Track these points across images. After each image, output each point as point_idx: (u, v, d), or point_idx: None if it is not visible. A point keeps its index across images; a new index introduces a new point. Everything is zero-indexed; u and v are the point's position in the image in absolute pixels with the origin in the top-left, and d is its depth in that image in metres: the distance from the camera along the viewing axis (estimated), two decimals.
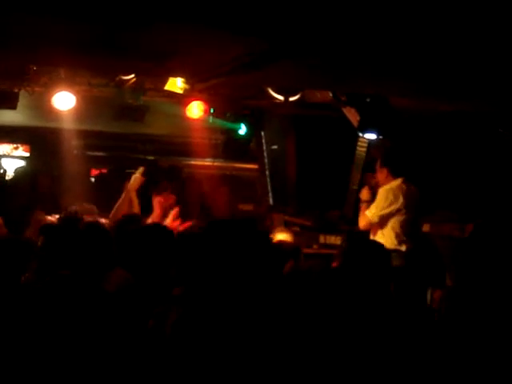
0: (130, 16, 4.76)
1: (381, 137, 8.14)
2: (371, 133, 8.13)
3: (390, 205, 6.80)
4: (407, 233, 6.82)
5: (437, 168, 8.93)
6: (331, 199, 9.16)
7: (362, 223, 6.90)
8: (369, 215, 6.83)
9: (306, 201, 9.53)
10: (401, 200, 6.82)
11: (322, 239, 8.77)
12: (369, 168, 9.19)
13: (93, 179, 10.57)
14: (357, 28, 4.84)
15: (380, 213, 6.80)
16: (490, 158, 8.85)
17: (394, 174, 6.96)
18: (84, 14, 4.70)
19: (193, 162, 10.76)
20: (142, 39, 5.38)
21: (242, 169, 10.81)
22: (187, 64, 6.17)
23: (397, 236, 6.74)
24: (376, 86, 6.99)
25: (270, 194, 10.23)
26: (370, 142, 8.76)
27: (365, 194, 7.05)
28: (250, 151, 10.14)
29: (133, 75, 7.65)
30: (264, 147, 10.26)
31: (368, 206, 6.90)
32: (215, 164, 10.42)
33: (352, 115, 8.06)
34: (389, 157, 7.18)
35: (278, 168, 10.28)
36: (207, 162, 10.42)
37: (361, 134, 8.37)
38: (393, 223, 6.81)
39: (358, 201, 7.38)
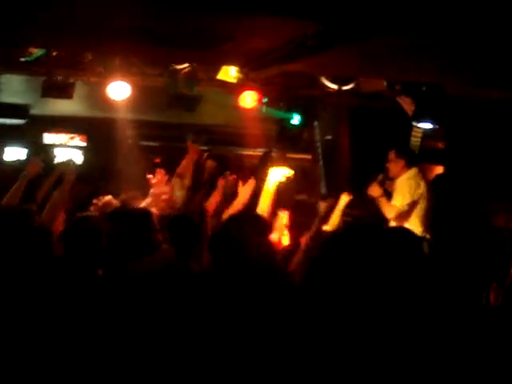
0: (183, 4, 4.77)
1: (436, 126, 8.03)
2: (427, 122, 8.01)
3: (415, 191, 6.97)
4: (430, 219, 6.99)
5: (491, 158, 8.76)
6: (385, 189, 9.04)
7: (392, 214, 6.96)
8: (397, 205, 6.91)
9: (360, 191, 9.44)
10: (422, 185, 7.03)
11: None
12: (424, 158, 9.07)
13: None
14: (412, 16, 4.77)
15: (408, 200, 6.94)
16: None
17: (409, 164, 7.05)
18: (138, 2, 4.73)
19: (246, 152, 10.78)
20: (195, 27, 5.39)
21: (295, 159, 10.77)
22: (240, 51, 6.16)
23: (422, 223, 6.85)
24: (431, 74, 6.87)
25: (323, 184, 10.18)
26: (425, 131, 8.64)
27: (376, 190, 7.05)
28: (303, 141, 10.10)
29: (186, 65, 7.69)
30: (317, 137, 10.20)
31: (387, 199, 6.94)
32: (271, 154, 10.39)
33: (407, 104, 7.94)
34: (404, 148, 7.29)
35: (331, 158, 10.21)
36: (260, 152, 10.39)
37: (416, 124, 8.25)
38: (417, 211, 6.98)
39: None
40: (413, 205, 6.94)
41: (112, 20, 5.14)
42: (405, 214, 6.94)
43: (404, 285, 3.12)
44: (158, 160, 10.84)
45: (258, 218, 4.44)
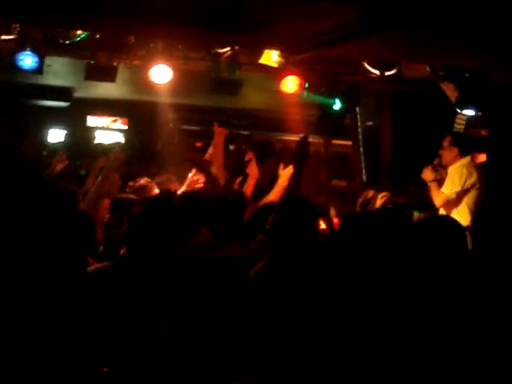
0: None
1: (480, 113, 7.90)
2: (470, 109, 7.90)
3: (466, 180, 6.86)
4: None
5: None
6: None
7: (439, 201, 6.92)
8: (446, 192, 6.86)
9: (401, 178, 9.36)
10: (475, 175, 6.89)
11: (416, 217, 8.61)
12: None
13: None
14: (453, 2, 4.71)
15: (457, 189, 6.84)
16: None
17: (463, 153, 6.96)
18: None
19: (287, 138, 10.76)
20: (238, 11, 5.39)
21: (336, 145, 10.73)
22: (282, 35, 6.14)
23: (471, 212, 6.75)
24: (475, 59, 6.77)
25: (364, 171, 10.11)
26: (469, 118, 8.52)
27: (429, 174, 7.02)
28: (344, 127, 10.03)
29: (228, 48, 7.69)
30: (359, 123, 10.12)
31: (438, 185, 6.89)
32: (309, 140, 10.34)
33: (450, 91, 7.83)
34: (459, 136, 7.25)
35: (372, 144, 10.12)
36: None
37: (459, 110, 8.14)
38: (468, 199, 6.87)
39: None
40: (462, 194, 6.84)
41: (154, 2, 5.17)
42: (453, 202, 6.86)
43: (437, 274, 3.09)
44: (199, 144, 10.89)
45: (311, 202, 4.43)
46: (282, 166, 6.61)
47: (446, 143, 7.07)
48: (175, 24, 5.88)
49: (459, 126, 8.78)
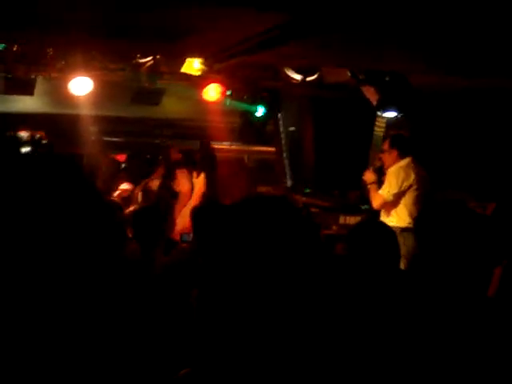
0: None
1: (400, 115, 8.07)
2: (391, 111, 8.06)
3: (403, 182, 6.93)
4: (419, 210, 6.94)
5: (453, 147, 8.82)
6: (350, 180, 9.10)
7: (377, 203, 7.02)
8: (383, 194, 6.93)
9: (325, 182, 9.48)
10: (412, 176, 6.97)
11: (341, 220, 8.72)
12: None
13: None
14: (376, 4, 4.78)
15: (394, 191, 6.92)
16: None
17: (403, 155, 7.05)
18: None
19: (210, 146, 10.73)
20: (158, 19, 5.34)
21: (259, 151, 10.77)
22: (204, 43, 6.12)
23: (410, 214, 6.84)
24: (396, 63, 6.91)
25: (288, 176, 10.18)
26: (388, 121, 8.69)
27: (370, 176, 7.11)
28: (267, 133, 10.09)
29: (149, 58, 7.62)
30: (281, 129, 10.20)
31: (377, 187, 6.98)
32: (232, 147, 10.36)
33: (371, 94, 7.97)
34: (398, 138, 7.28)
35: (295, 150, 10.21)
36: (224, 145, 10.38)
37: (380, 113, 8.29)
38: (405, 201, 6.95)
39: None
40: (400, 195, 6.92)
41: (74, 12, 5.06)
42: (391, 204, 6.94)
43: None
44: (122, 158, 10.73)
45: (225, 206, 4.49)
46: (195, 174, 6.73)
47: (385, 146, 7.17)
48: (97, 35, 5.78)
49: (379, 129, 8.95)
